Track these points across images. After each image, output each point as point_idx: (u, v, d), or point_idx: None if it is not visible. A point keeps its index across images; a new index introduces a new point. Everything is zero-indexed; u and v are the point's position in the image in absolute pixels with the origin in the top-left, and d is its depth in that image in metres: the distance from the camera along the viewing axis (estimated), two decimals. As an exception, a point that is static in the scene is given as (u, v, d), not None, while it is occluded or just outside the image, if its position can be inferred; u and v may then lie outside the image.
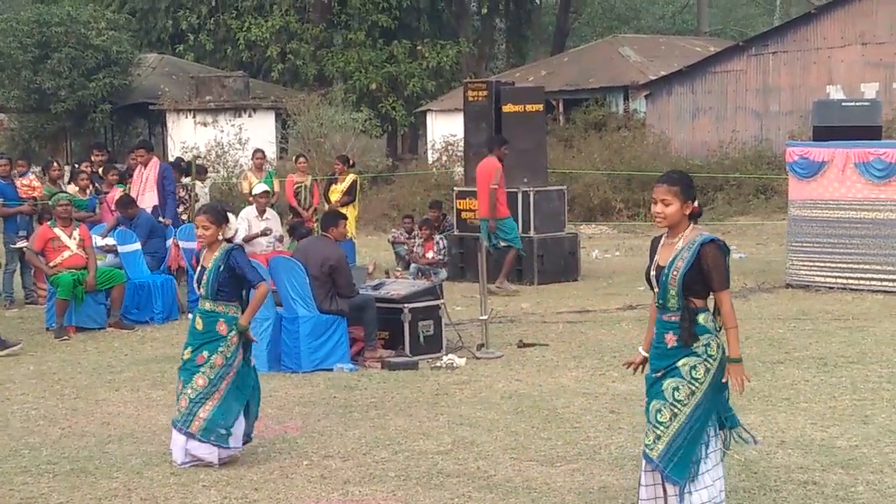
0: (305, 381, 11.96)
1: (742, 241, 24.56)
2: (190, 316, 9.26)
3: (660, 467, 6.84)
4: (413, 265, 19.57)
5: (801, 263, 17.60)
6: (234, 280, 9.01)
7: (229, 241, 9.24)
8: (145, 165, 18.32)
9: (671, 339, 6.91)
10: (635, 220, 28.24)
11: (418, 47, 42.42)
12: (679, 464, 6.83)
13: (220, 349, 8.92)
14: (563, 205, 20.30)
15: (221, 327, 8.94)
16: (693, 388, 6.84)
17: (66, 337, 14.85)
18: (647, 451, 6.88)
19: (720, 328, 6.93)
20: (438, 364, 12.62)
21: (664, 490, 6.89)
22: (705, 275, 6.83)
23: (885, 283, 16.82)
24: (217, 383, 8.90)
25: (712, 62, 33.47)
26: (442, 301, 13.50)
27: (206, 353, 8.93)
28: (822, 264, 17.37)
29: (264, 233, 17.40)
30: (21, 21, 37.08)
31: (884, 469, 8.38)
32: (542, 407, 10.54)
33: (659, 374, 6.94)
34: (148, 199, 18.03)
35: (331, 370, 12.42)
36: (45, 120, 37.14)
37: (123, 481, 8.57)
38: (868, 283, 16.98)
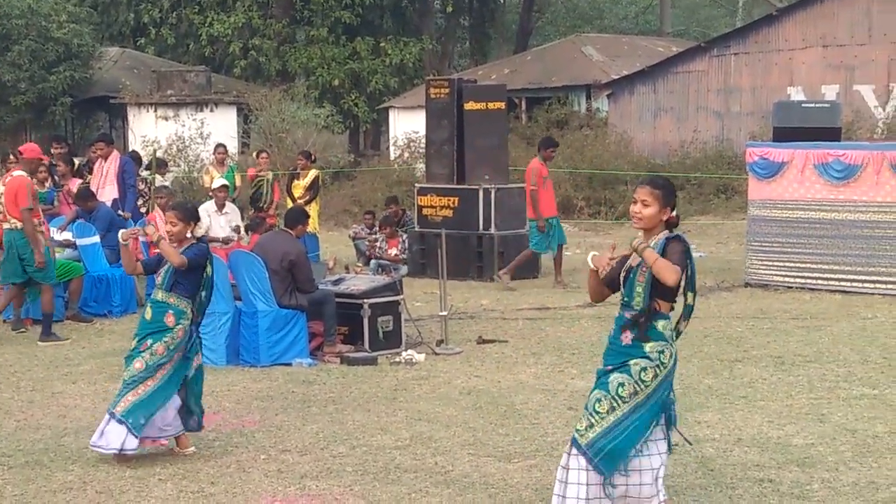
0: (264, 376, 11.93)
1: (702, 241, 24.64)
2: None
3: (588, 454, 6.80)
4: (373, 261, 19.56)
5: (760, 263, 17.69)
6: (192, 275, 8.98)
7: (199, 239, 9.22)
8: (105, 159, 18.25)
9: (627, 337, 6.92)
10: (596, 219, 28.29)
11: (381, 44, 42.37)
12: (609, 457, 6.78)
13: (164, 339, 8.88)
14: (524, 202, 20.27)
15: (169, 319, 8.91)
16: (638, 388, 6.83)
17: (23, 329, 14.77)
18: (577, 436, 6.83)
19: (676, 337, 6.97)
20: (397, 360, 12.61)
21: (587, 477, 6.82)
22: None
23: (842, 283, 16.93)
24: (153, 371, 8.85)
25: (674, 62, 33.56)
26: (402, 297, 13.49)
27: (149, 342, 8.90)
28: (781, 264, 17.47)
29: (225, 241, 17.42)
30: (-19, 13, 36.86)
31: (839, 467, 8.43)
32: (501, 403, 10.55)
33: (609, 369, 6.95)
34: (108, 193, 17.96)
35: (289, 365, 12.40)
36: (5, 112, 36.92)
37: (79, 474, 8.52)
38: (826, 282, 17.08)
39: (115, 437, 8.77)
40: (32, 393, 11.28)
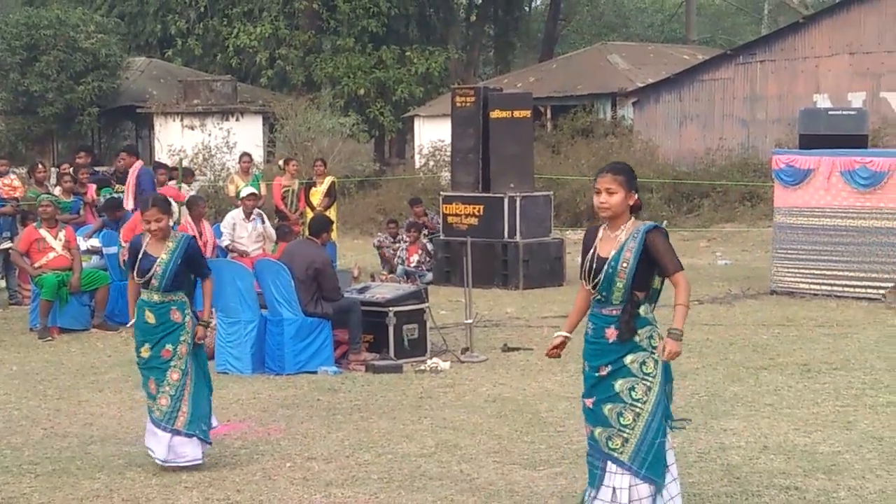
0: (289, 384, 11.95)
1: (727, 248, 24.60)
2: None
3: (633, 469, 6.79)
4: (400, 267, 19.60)
5: (786, 270, 17.64)
6: (189, 270, 8.99)
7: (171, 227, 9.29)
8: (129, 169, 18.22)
9: (612, 334, 6.84)
10: (622, 227, 28.20)
11: (407, 53, 42.38)
12: (654, 462, 6.79)
13: (182, 338, 8.86)
14: (549, 210, 20.35)
15: (175, 315, 8.87)
16: (648, 383, 6.79)
17: (49, 338, 14.85)
18: (616, 455, 6.80)
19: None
20: (423, 367, 12.62)
21: (638, 492, 6.81)
22: (656, 262, 6.79)
23: (868, 291, 16.86)
24: (188, 372, 8.87)
25: (700, 70, 33.50)
26: (427, 305, 13.50)
27: (169, 347, 8.84)
28: (807, 271, 17.41)
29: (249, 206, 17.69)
30: (10, 23, 37.01)
31: (865, 475, 8.39)
32: (526, 411, 10.54)
33: (604, 373, 6.87)
34: (132, 203, 17.99)
35: (315, 373, 12.42)
36: (33, 122, 37.06)
37: (105, 482, 8.55)
38: (852, 290, 17.02)
39: (191, 449, 8.83)
40: (59, 401, 11.33)
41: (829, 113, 19.80)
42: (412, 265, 19.74)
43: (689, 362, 12.54)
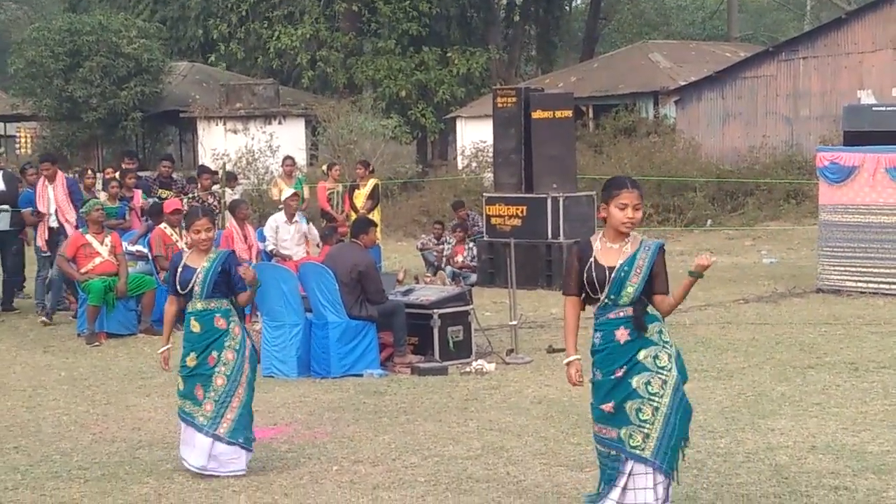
0: (335, 387, 11.98)
1: (773, 246, 24.46)
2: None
3: (656, 464, 6.83)
4: (448, 268, 19.63)
5: (832, 268, 17.53)
6: (228, 280, 8.96)
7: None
8: (51, 179, 17.51)
9: (623, 334, 6.91)
10: (665, 226, 28.14)
11: (448, 54, 42.37)
12: (671, 456, 6.87)
13: (227, 344, 8.84)
14: (592, 210, 20.26)
15: (219, 322, 8.85)
16: (663, 377, 6.85)
17: (97, 343, 14.93)
18: (638, 452, 6.84)
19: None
20: (468, 369, 12.62)
21: (653, 479, 6.90)
22: (654, 278, 6.89)
23: (916, 288, 16.75)
24: (237, 378, 8.82)
25: (742, 67, 33.34)
26: (471, 307, 13.50)
27: (215, 353, 8.82)
28: (854, 269, 17.29)
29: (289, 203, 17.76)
30: (52, 30, 37.23)
31: (915, 474, 8.34)
32: (572, 412, 10.52)
33: (620, 375, 6.91)
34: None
35: (360, 376, 12.44)
36: (77, 128, 37.27)
37: (154, 486, 8.60)
38: (900, 287, 16.90)
39: (234, 459, 8.82)
40: (107, 406, 11.40)
41: (874, 109, 19.68)
42: (458, 265, 19.76)
43: (736, 362, 12.50)
